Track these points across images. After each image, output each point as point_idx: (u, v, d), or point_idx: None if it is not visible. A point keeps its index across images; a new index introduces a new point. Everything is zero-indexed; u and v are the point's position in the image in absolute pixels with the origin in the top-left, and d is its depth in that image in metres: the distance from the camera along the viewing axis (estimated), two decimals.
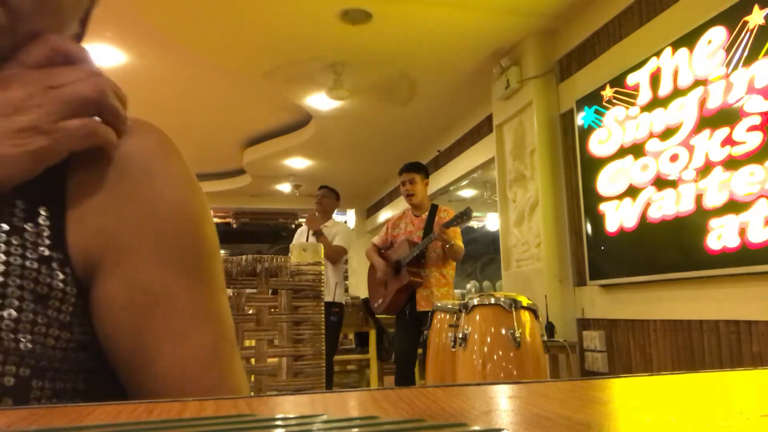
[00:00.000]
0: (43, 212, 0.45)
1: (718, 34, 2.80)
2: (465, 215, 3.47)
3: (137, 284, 0.45)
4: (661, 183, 3.14)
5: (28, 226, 0.44)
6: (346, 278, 12.03)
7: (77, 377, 0.45)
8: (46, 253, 0.44)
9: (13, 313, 0.41)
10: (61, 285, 0.44)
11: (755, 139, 2.59)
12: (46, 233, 0.44)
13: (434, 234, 3.52)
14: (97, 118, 0.45)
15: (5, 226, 0.43)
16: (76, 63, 0.46)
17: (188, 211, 0.49)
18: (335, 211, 4.68)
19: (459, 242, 3.60)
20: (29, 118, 0.42)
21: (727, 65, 2.75)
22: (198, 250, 0.49)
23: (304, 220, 4.62)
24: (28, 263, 0.43)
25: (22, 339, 0.41)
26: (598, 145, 3.61)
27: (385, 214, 8.76)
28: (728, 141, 2.72)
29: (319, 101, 5.38)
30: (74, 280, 0.44)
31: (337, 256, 4.27)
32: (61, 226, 0.45)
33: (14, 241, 0.43)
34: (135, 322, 0.45)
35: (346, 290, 9.68)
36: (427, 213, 3.76)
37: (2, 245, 0.42)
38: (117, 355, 0.46)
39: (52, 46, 0.45)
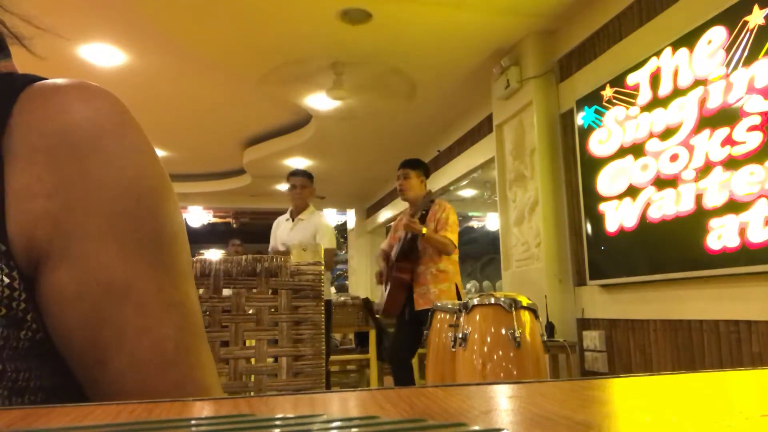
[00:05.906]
0: None
1: (718, 34, 2.80)
2: (424, 198, 3.51)
3: (89, 273, 0.40)
4: (661, 183, 3.14)
5: None
6: (337, 277, 12.01)
7: (40, 374, 0.42)
8: None
9: None
10: (6, 280, 0.39)
11: (755, 139, 2.59)
12: None
13: (411, 224, 3.46)
14: None
15: None
16: None
17: (147, 188, 0.44)
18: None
19: (448, 234, 3.44)
20: None
21: (727, 65, 2.75)
22: (158, 232, 0.44)
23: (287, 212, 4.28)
24: None
25: None
26: (598, 145, 3.61)
27: (385, 214, 8.75)
28: (728, 141, 2.72)
29: (319, 101, 5.38)
30: (20, 273, 0.40)
31: (330, 261, 4.16)
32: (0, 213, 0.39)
33: None
34: (89, 315, 0.40)
35: (346, 290, 9.69)
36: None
37: None
38: (70, 351, 0.42)
39: None
